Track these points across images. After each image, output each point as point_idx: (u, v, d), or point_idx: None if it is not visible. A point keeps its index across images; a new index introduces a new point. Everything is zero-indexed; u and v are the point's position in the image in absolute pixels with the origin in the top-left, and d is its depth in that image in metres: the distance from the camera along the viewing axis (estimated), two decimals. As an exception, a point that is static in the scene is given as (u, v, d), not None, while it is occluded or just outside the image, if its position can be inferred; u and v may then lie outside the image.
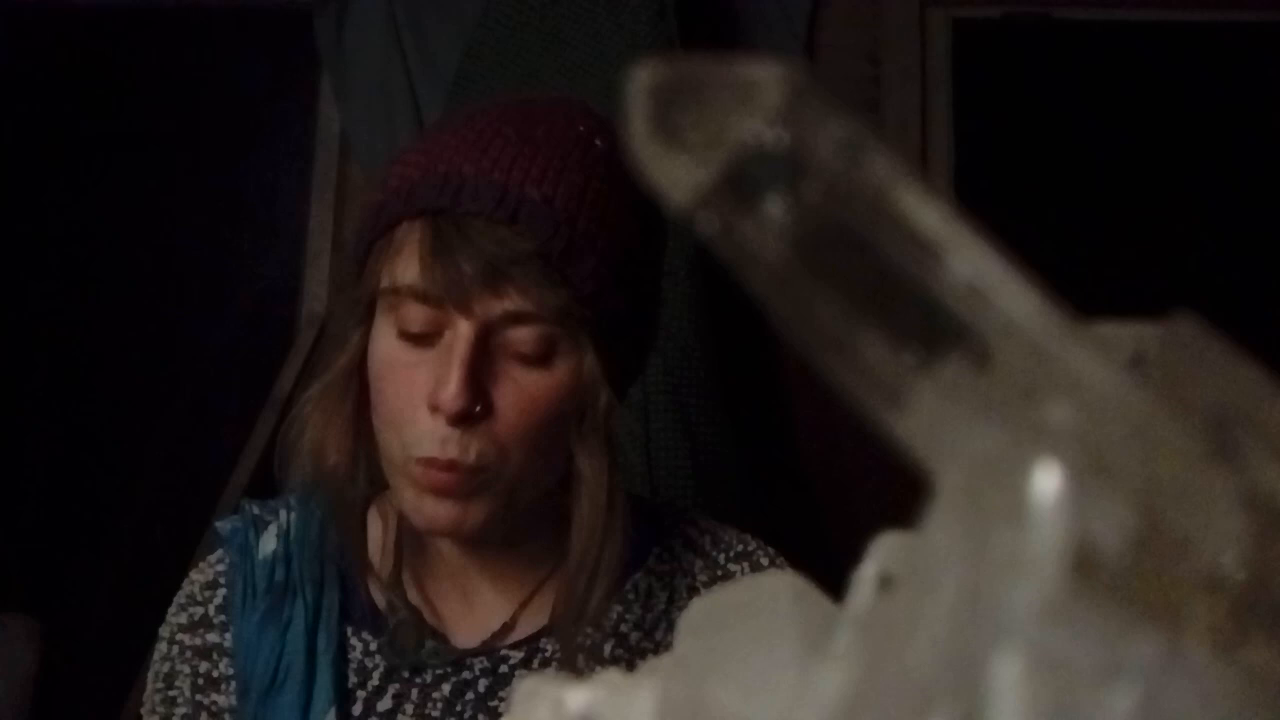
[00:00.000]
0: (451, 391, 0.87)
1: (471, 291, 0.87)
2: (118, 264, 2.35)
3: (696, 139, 0.29)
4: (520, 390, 0.90)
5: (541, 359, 0.90)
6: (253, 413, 2.05)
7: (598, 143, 0.92)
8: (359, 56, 2.19)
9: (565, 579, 0.95)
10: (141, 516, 2.21)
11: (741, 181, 0.29)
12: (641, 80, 0.30)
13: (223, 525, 1.03)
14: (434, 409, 0.88)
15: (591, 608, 0.94)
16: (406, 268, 0.89)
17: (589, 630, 0.96)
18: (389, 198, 0.92)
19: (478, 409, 0.88)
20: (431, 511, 0.90)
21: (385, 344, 0.92)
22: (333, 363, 0.96)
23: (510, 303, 0.88)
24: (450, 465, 0.88)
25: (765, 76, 0.29)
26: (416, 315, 0.89)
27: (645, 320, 0.98)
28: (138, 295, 2.33)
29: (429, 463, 0.89)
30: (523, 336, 0.89)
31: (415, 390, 0.89)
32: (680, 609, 0.99)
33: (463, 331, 0.88)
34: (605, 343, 0.91)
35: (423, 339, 0.90)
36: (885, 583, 0.32)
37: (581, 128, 0.93)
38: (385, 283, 0.91)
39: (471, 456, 0.88)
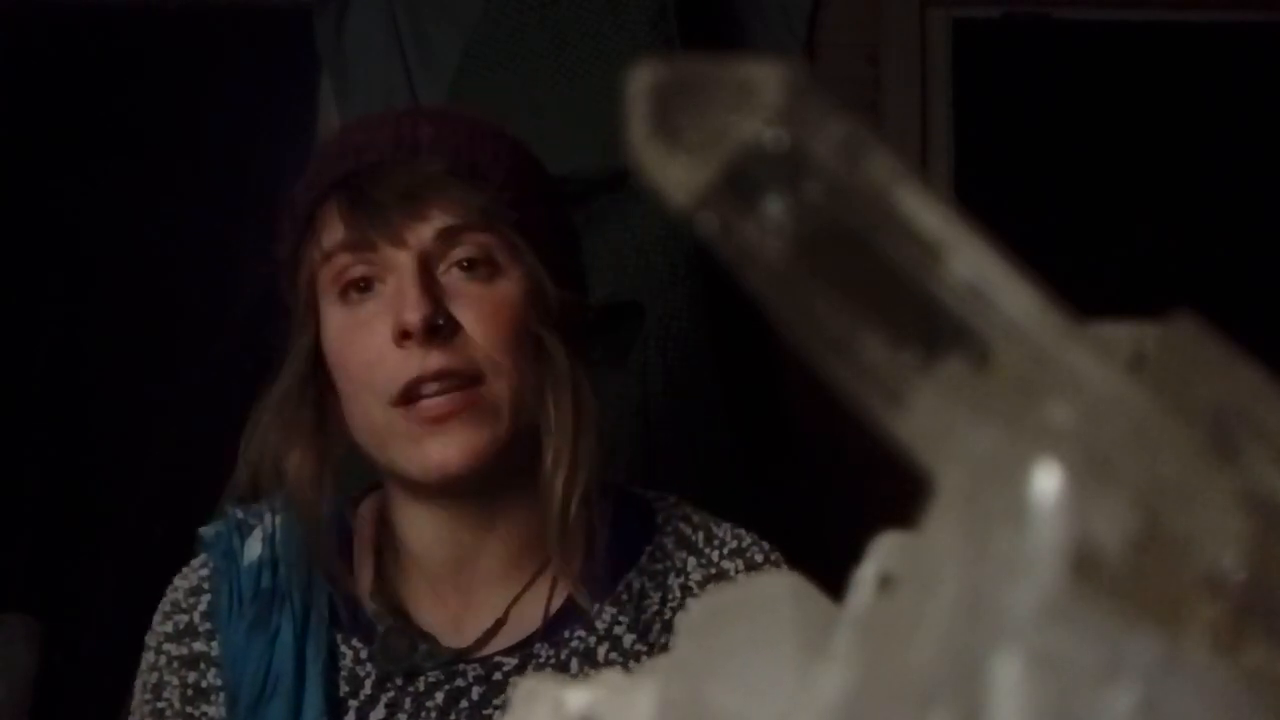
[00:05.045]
0: (412, 304, 0.89)
1: (398, 223, 0.90)
2: (117, 264, 2.35)
3: (696, 139, 0.29)
4: (479, 303, 0.92)
5: (487, 270, 0.92)
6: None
7: (466, 111, 1.01)
8: (359, 56, 2.19)
9: (541, 484, 0.94)
10: (141, 516, 2.21)
11: (741, 181, 0.29)
12: (641, 80, 0.30)
13: (206, 531, 1.01)
14: (401, 335, 0.89)
15: (574, 507, 0.93)
16: (332, 234, 0.92)
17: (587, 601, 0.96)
18: (296, 201, 0.96)
19: (442, 321, 0.90)
20: (439, 452, 0.90)
21: (334, 319, 0.93)
22: (283, 374, 0.96)
23: (438, 220, 0.91)
24: (441, 377, 0.89)
25: (765, 76, 0.29)
26: (355, 269, 0.92)
27: (569, 229, 1.02)
28: (137, 295, 2.33)
29: (417, 391, 0.89)
30: (462, 252, 0.92)
31: (376, 338, 0.91)
32: (674, 608, 0.99)
33: (403, 263, 0.91)
34: (540, 242, 0.94)
35: (365, 291, 0.92)
36: (885, 583, 0.32)
37: (447, 107, 1.00)
38: (316, 258, 0.93)
39: (459, 363, 0.90)
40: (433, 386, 0.90)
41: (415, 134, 0.92)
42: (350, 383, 0.93)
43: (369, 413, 0.92)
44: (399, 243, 0.90)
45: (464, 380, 0.90)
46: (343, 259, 0.92)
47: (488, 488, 0.94)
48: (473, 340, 0.91)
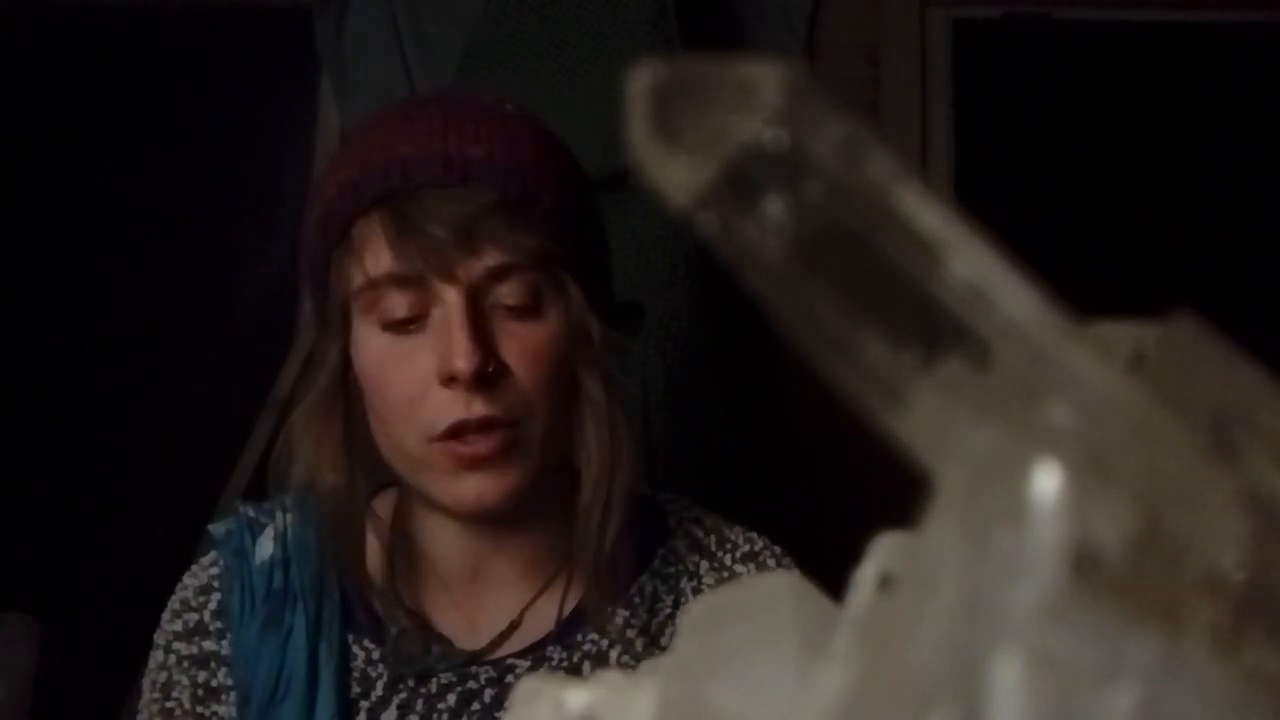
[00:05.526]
0: (463, 352, 0.87)
1: (450, 257, 0.87)
2: (117, 264, 2.35)
3: (696, 139, 0.29)
4: (523, 344, 0.90)
5: (533, 309, 0.90)
6: (253, 413, 2.05)
7: (509, 106, 0.95)
8: (359, 56, 2.19)
9: (578, 517, 0.95)
10: (141, 516, 2.21)
11: (741, 181, 0.29)
12: (641, 80, 0.29)
13: (216, 528, 1.00)
14: (449, 379, 0.88)
15: (608, 542, 0.93)
16: (377, 259, 0.89)
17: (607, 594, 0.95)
18: (333, 204, 0.91)
19: (490, 368, 0.88)
20: (475, 488, 0.90)
21: (372, 343, 0.91)
22: (315, 383, 0.95)
23: (489, 258, 0.88)
24: (485, 424, 0.88)
25: (765, 76, 0.29)
26: (399, 302, 0.89)
27: (607, 250, 1.00)
28: (137, 295, 2.33)
29: (459, 432, 0.88)
30: (510, 290, 0.89)
31: (419, 373, 0.89)
32: None
33: (452, 299, 0.88)
34: (584, 276, 0.92)
35: (409, 325, 0.89)
36: (885, 583, 0.32)
37: (487, 99, 0.95)
38: (358, 282, 0.90)
39: (502, 409, 0.88)
40: (474, 427, 0.89)
41: (465, 155, 0.88)
42: (388, 411, 0.91)
43: (404, 442, 0.91)
44: (449, 278, 0.88)
45: (506, 424, 0.89)
46: (388, 295, 0.89)
47: (515, 511, 0.94)
48: (516, 383, 0.89)
